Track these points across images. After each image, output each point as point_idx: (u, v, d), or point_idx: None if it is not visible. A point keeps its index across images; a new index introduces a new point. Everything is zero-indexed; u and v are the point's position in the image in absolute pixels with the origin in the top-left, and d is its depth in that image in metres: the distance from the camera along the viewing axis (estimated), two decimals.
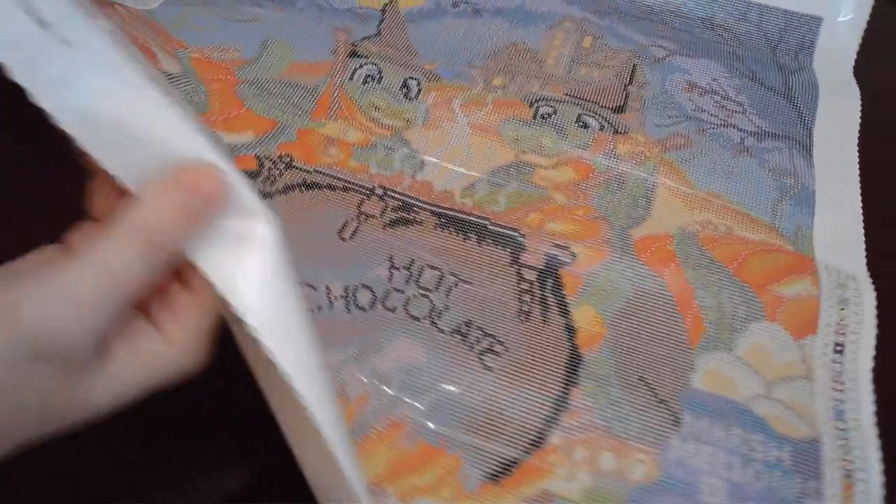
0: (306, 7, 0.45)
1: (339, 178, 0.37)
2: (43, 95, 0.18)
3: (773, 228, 0.37)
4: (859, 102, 0.43)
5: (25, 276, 0.18)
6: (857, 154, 0.41)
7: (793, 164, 0.40)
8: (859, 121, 0.42)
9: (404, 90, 0.41)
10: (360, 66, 0.41)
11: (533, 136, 0.40)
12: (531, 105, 0.41)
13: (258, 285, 0.19)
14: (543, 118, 0.40)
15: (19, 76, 0.17)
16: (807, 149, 0.41)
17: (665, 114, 0.42)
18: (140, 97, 0.19)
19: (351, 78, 0.41)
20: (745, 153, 0.40)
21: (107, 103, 0.18)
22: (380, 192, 0.37)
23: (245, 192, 0.20)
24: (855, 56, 0.46)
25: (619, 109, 0.42)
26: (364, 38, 0.44)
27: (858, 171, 0.40)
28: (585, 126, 0.40)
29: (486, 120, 0.40)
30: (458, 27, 0.45)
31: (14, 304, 0.17)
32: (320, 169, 0.37)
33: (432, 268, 0.34)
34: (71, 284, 0.17)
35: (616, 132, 0.40)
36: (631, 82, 0.43)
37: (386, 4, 0.46)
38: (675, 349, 0.32)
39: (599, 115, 0.41)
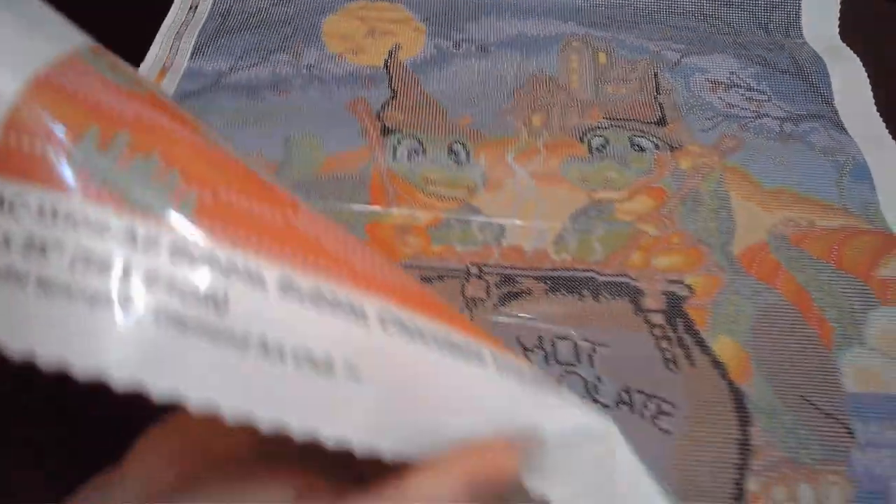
0: (306, 84, 0.42)
1: (429, 268, 0.34)
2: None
3: (843, 210, 0.38)
4: (861, 65, 0.45)
5: None
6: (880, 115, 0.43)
7: (835, 140, 0.41)
8: (869, 82, 0.44)
9: (453, 156, 0.38)
10: (399, 143, 0.39)
11: (597, 171, 0.38)
12: (581, 140, 0.40)
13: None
14: (599, 150, 0.39)
15: None
16: (837, 122, 0.42)
17: (703, 116, 0.42)
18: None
19: (394, 157, 0.38)
20: (792, 140, 0.41)
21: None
22: (475, 271, 0.34)
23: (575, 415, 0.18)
24: (838, 20, 0.48)
25: (661, 122, 0.41)
26: (383, 105, 0.41)
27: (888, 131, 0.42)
28: (642, 149, 0.40)
29: (546, 167, 0.39)
30: (470, 70, 0.43)
31: None
32: (406, 263, 0.34)
33: (562, 338, 0.32)
34: None
35: (672, 148, 0.40)
36: (658, 91, 0.43)
37: (386, 59, 0.43)
38: (815, 357, 0.33)
39: (649, 133, 0.40)
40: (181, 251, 0.14)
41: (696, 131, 0.41)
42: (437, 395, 0.16)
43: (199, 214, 0.14)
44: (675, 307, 0.34)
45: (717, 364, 0.32)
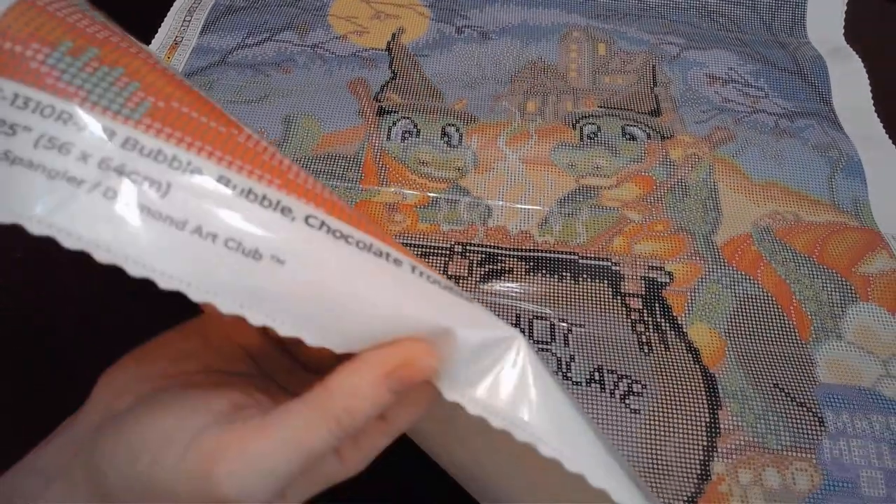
0: (309, 63, 0.43)
1: (414, 245, 0.35)
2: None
3: (833, 206, 0.38)
4: (862, 66, 0.45)
5: (219, 431, 0.18)
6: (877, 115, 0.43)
7: (830, 137, 0.41)
8: (868, 84, 0.44)
9: (445, 139, 0.39)
10: (394, 124, 0.40)
11: (586, 158, 0.39)
12: (574, 126, 0.40)
13: (541, 408, 0.18)
14: (591, 138, 0.40)
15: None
16: (833, 120, 0.42)
17: (698, 109, 0.42)
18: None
19: (388, 137, 0.39)
20: (786, 136, 0.41)
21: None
22: (459, 249, 0.35)
23: (482, 317, 0.19)
24: (843, 21, 0.48)
25: (655, 113, 0.42)
26: (383, 87, 0.42)
27: (885, 132, 0.42)
28: (633, 138, 0.40)
29: (536, 152, 0.39)
30: (470, 54, 0.44)
31: (214, 475, 0.17)
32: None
33: (540, 318, 0.33)
34: (265, 458, 0.17)
35: (663, 138, 0.40)
36: (655, 84, 0.43)
37: (389, 42, 0.44)
38: (791, 347, 0.33)
39: (641, 123, 0.41)
40: (132, 144, 0.16)
41: (689, 123, 0.41)
42: (358, 290, 0.17)
43: (151, 117, 0.16)
44: (653, 292, 0.34)
45: (691, 349, 0.33)
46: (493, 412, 0.18)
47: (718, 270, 0.35)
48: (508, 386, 0.18)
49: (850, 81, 0.44)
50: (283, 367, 0.23)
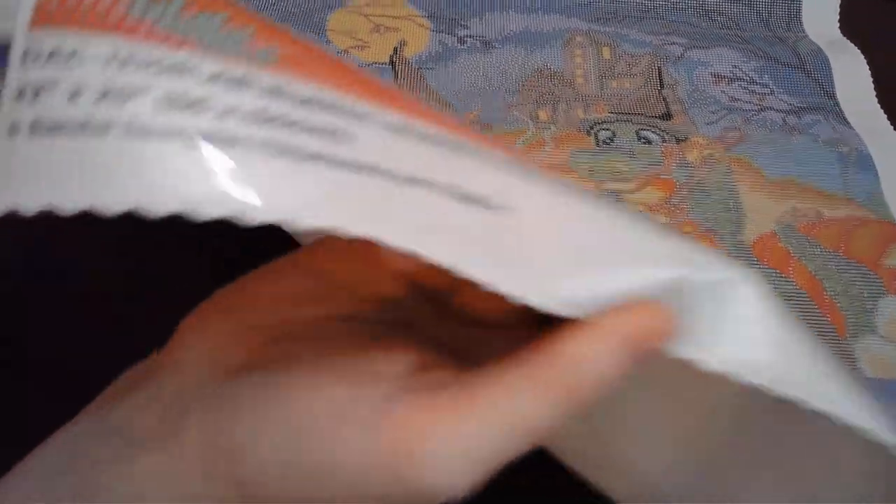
0: None
1: None
2: None
3: (849, 200, 0.38)
4: (861, 57, 0.45)
5: (409, 404, 0.14)
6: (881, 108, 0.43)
7: (838, 132, 0.41)
8: (870, 76, 0.44)
9: None
10: None
11: (605, 163, 0.38)
12: (588, 133, 0.40)
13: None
14: (607, 143, 0.39)
15: None
16: (839, 114, 0.42)
17: (707, 110, 0.42)
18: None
19: None
20: (795, 132, 0.41)
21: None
22: None
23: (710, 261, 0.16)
24: (838, 14, 0.48)
25: (666, 116, 0.41)
26: None
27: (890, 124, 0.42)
28: (648, 141, 0.40)
29: (554, 158, 0.38)
30: (475, 65, 0.43)
31: (416, 457, 0.14)
32: None
33: None
34: (478, 439, 0.14)
35: (678, 140, 0.40)
36: (662, 85, 0.43)
37: (392, 56, 0.43)
38: (832, 344, 0.33)
39: (654, 127, 0.40)
40: (279, 92, 0.13)
41: (701, 124, 0.41)
42: (568, 234, 0.15)
43: (286, 62, 0.13)
44: None
45: None
46: (750, 368, 0.15)
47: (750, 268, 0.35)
48: (761, 335, 0.15)
49: (851, 74, 0.45)
50: (427, 315, 0.19)
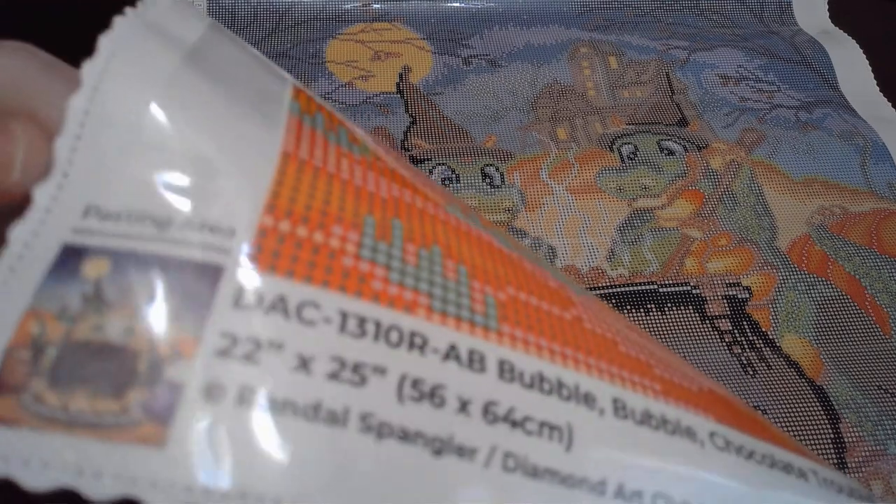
0: None
1: None
2: None
3: (872, 193, 0.39)
4: (857, 45, 0.46)
5: None
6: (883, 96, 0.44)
7: (849, 124, 0.42)
8: (868, 65, 0.45)
9: (487, 180, 0.37)
10: (431, 172, 0.37)
11: (632, 179, 0.38)
12: (611, 149, 0.39)
13: None
14: (631, 158, 0.39)
15: None
16: (847, 106, 0.43)
17: (720, 112, 0.42)
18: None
19: None
20: (810, 128, 0.41)
21: None
22: None
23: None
24: (827, 5, 0.49)
25: (682, 123, 0.41)
26: (405, 133, 0.39)
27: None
28: (671, 152, 0.39)
29: (581, 180, 0.38)
30: (484, 86, 0.42)
31: None
32: None
33: None
34: None
35: (699, 148, 0.40)
36: (673, 91, 0.43)
37: (398, 83, 0.42)
38: (879, 344, 0.33)
39: (675, 136, 0.40)
40: (508, 370, 0.11)
41: (718, 128, 0.41)
42: None
43: (506, 319, 0.12)
44: (738, 310, 0.34)
45: (791, 363, 0.32)
46: None
47: (792, 277, 0.35)
48: None
49: (850, 64, 0.45)
50: None
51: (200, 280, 0.11)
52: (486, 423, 0.11)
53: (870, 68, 0.45)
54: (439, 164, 0.38)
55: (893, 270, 0.35)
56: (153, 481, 0.09)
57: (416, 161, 0.38)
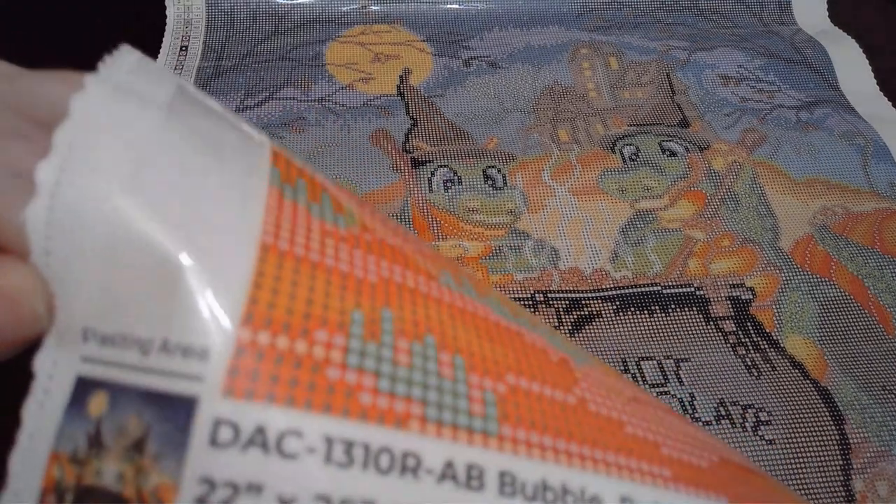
0: (321, 118, 0.40)
1: None
2: None
3: (874, 193, 0.39)
4: (856, 44, 0.46)
5: None
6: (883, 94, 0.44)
7: (850, 124, 0.42)
8: (868, 64, 0.45)
9: (490, 182, 0.37)
10: (433, 174, 0.37)
11: (634, 181, 0.38)
12: (613, 150, 0.39)
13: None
14: (633, 159, 0.39)
15: None
16: (847, 105, 0.43)
17: (721, 113, 0.42)
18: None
19: (430, 189, 0.37)
20: (811, 128, 0.41)
21: None
22: (540, 298, 0.33)
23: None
24: (826, 4, 0.49)
25: (684, 123, 0.41)
26: (407, 135, 0.39)
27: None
28: (673, 153, 0.39)
29: (583, 181, 0.38)
30: (485, 88, 0.42)
31: None
32: None
33: (647, 359, 0.32)
34: None
35: (701, 149, 0.40)
36: (674, 92, 0.43)
37: (398, 85, 0.42)
38: (882, 344, 0.33)
39: (676, 137, 0.40)
40: (510, 483, 0.11)
41: (719, 129, 0.41)
42: None
43: (506, 419, 0.11)
44: (741, 311, 0.33)
45: (795, 364, 0.32)
46: None
47: (795, 277, 0.35)
48: None
49: (850, 64, 0.45)
50: None
51: (177, 415, 0.10)
52: None
53: (870, 68, 0.45)
54: (441, 167, 0.38)
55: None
56: None
57: (417, 163, 0.38)
